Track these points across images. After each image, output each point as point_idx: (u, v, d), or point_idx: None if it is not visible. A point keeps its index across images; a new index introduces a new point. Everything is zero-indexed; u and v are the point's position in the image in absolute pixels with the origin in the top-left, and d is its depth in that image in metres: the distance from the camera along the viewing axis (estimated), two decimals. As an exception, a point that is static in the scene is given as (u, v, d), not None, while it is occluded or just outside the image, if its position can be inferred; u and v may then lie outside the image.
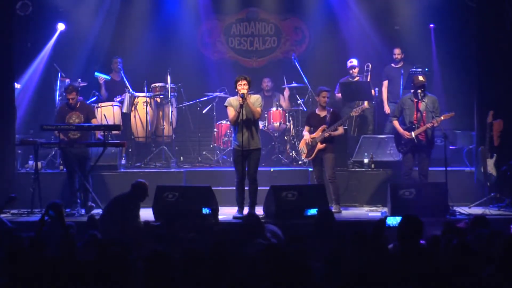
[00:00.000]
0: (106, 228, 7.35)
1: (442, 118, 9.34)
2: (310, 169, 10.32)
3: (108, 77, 11.84)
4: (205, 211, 8.46)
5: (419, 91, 9.46)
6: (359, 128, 11.68)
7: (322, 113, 9.80)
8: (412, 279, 4.51)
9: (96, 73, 11.74)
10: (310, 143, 9.72)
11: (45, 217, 6.03)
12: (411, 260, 4.95)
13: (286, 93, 12.34)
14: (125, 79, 11.77)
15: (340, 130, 9.80)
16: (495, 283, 4.53)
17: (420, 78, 9.61)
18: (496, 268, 4.64)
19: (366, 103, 10.83)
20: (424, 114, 9.48)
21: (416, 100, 9.54)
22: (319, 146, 9.63)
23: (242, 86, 8.86)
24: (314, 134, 9.71)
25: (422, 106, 9.50)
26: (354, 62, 11.73)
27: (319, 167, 9.74)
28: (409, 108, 9.61)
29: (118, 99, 11.73)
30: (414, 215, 5.71)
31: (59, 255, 4.97)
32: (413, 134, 9.44)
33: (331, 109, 9.91)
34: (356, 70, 11.70)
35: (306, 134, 9.85)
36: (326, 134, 9.60)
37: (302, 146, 9.95)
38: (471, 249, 4.96)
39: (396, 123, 9.74)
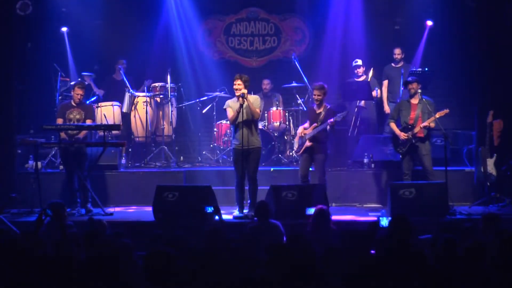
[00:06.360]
0: None
1: (436, 116, 9.35)
2: (311, 169, 10.31)
3: (91, 74, 11.84)
4: (209, 209, 8.40)
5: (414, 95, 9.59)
6: (361, 129, 11.65)
7: (319, 110, 9.67)
8: (400, 279, 4.48)
9: (82, 73, 11.79)
10: (302, 138, 9.65)
11: (42, 216, 6.02)
12: (400, 260, 4.89)
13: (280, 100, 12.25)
14: (125, 79, 11.77)
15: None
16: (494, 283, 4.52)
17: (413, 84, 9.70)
18: (497, 268, 4.63)
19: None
20: (420, 116, 9.51)
21: (412, 101, 9.61)
22: (307, 143, 9.55)
23: (237, 86, 8.88)
24: (308, 129, 9.64)
25: (418, 107, 9.54)
26: (359, 62, 11.71)
27: (305, 165, 9.60)
28: (405, 109, 9.65)
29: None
30: (403, 215, 5.65)
31: (57, 254, 4.96)
32: (410, 134, 9.46)
33: (328, 106, 9.75)
34: (361, 70, 11.69)
35: (301, 127, 9.79)
36: (317, 128, 9.43)
37: (296, 139, 9.89)
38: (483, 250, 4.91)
39: (393, 125, 9.76)
